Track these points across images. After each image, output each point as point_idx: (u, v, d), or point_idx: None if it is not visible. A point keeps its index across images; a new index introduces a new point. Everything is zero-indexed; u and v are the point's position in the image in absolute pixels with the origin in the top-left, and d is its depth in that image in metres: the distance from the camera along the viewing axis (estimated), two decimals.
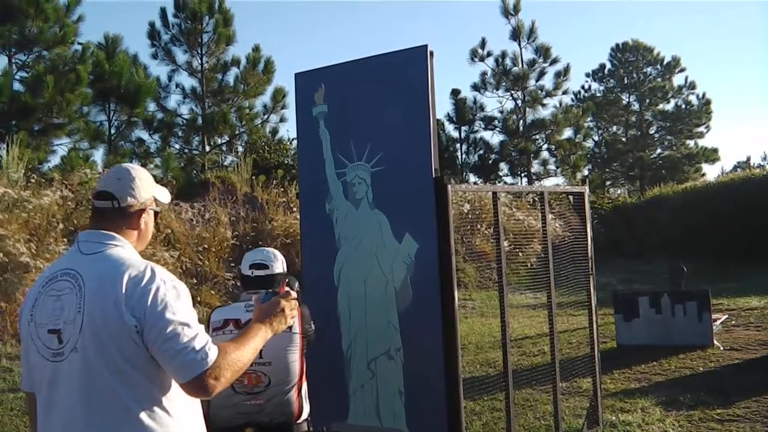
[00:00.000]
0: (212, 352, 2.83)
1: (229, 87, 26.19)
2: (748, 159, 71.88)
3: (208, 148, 26.37)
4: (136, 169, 3.16)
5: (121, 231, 3.05)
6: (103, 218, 3.07)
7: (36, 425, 3.01)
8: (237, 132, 26.85)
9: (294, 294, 3.39)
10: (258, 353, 4.63)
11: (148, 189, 3.14)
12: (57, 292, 2.92)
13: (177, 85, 26.15)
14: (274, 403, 4.49)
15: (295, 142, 23.22)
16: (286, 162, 28.33)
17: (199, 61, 25.84)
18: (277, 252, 4.97)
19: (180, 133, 26.34)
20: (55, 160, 21.48)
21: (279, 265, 4.84)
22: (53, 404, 2.90)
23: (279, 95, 26.18)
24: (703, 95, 50.19)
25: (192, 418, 3.01)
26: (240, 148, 28.43)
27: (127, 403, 2.81)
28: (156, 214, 3.23)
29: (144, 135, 25.33)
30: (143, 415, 2.82)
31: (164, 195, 3.26)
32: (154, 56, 25.64)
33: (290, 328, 4.39)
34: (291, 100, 24.63)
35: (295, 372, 4.56)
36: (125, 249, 3.02)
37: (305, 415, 4.61)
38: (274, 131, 29.86)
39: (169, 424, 2.87)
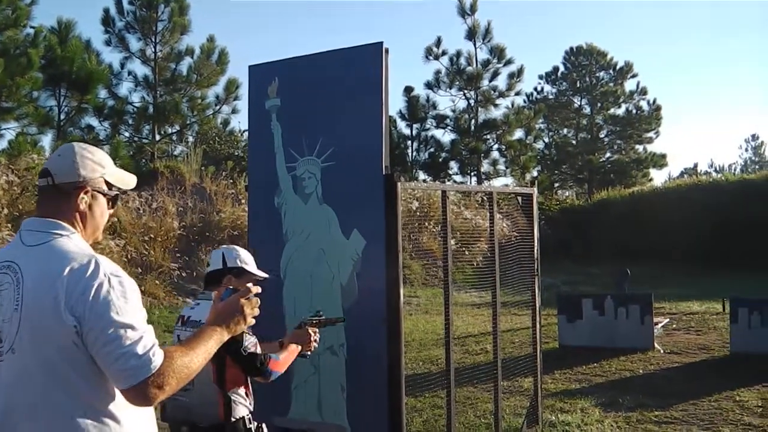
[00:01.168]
0: (157, 358, 2.55)
1: (182, 76, 26.00)
2: (695, 165, 72.96)
3: (158, 137, 26.18)
4: (84, 146, 2.88)
5: (65, 216, 2.76)
6: (44, 200, 2.81)
7: None
8: (188, 122, 26.69)
9: (256, 290, 3.02)
10: None
11: (92, 167, 2.83)
12: None
13: (129, 73, 25.89)
14: (200, 403, 4.40)
15: (246, 134, 23.18)
16: (236, 154, 28.28)
17: (153, 50, 25.61)
18: (227, 248, 4.84)
19: (130, 121, 26.08)
20: (2, 145, 21.22)
21: (219, 261, 4.69)
22: None
23: (232, 86, 26.00)
24: (654, 101, 50.61)
25: (143, 426, 2.76)
26: (190, 139, 28.35)
27: (68, 411, 2.56)
28: (113, 199, 2.94)
29: (94, 122, 25.02)
30: (87, 424, 2.57)
31: (122, 179, 2.96)
32: (108, 43, 25.34)
33: None
34: (244, 91, 24.60)
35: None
36: (72, 239, 2.73)
37: (239, 414, 4.45)
38: (226, 122, 29.79)
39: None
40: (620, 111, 50.86)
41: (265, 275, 4.79)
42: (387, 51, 6.35)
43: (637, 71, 51.19)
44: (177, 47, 25.89)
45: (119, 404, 2.63)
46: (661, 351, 12.56)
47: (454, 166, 37.04)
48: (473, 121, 35.90)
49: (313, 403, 6.50)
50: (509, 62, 35.34)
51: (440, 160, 36.23)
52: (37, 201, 2.86)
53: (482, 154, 36.00)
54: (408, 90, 36.27)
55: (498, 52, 35.17)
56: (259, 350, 4.37)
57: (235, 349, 4.30)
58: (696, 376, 10.87)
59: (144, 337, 2.57)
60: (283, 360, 4.48)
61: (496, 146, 36.56)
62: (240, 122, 33.74)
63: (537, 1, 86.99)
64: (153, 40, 25.43)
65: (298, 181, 6.66)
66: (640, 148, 50.89)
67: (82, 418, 2.57)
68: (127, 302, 2.59)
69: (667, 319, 15.83)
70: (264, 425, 4.59)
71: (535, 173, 40.66)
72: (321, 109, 6.63)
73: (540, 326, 8.66)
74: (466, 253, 18.32)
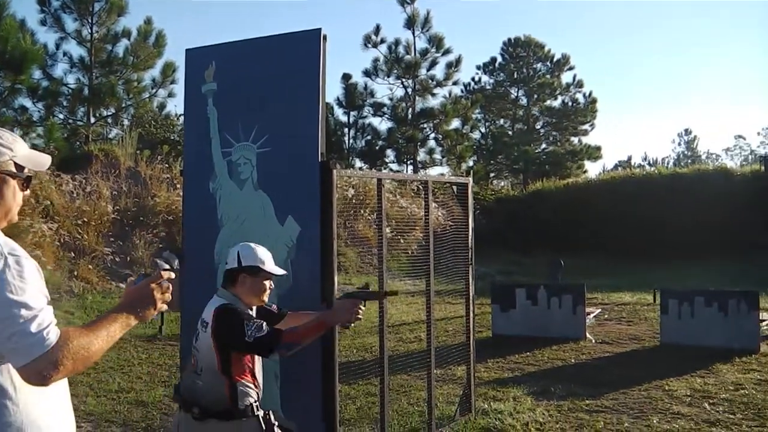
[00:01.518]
0: (51, 337, 2.52)
1: (119, 58, 25.66)
2: (629, 158, 73.98)
3: (93, 120, 25.83)
4: None
5: None
6: None
7: None
8: (124, 105, 26.40)
9: (168, 275, 2.95)
10: (194, 338, 4.55)
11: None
12: None
13: (65, 54, 25.52)
14: (209, 388, 4.44)
15: (182, 119, 22.98)
16: (172, 138, 28.01)
17: (89, 30, 25.27)
18: (243, 246, 4.72)
19: (65, 103, 25.73)
20: None
21: (234, 260, 4.66)
22: None
23: (169, 70, 25.80)
24: (590, 94, 51.16)
25: (49, 410, 2.72)
26: (126, 122, 28.04)
27: None
28: (26, 181, 2.89)
29: (27, 103, 24.60)
30: None
31: (34, 161, 2.93)
32: (43, 22, 24.97)
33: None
34: (180, 75, 24.32)
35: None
36: None
37: (246, 402, 4.48)
38: (162, 106, 29.56)
39: (14, 413, 2.60)
40: (556, 103, 51.46)
41: (283, 272, 4.82)
42: (325, 38, 6.33)
43: (573, 64, 51.83)
44: (114, 28, 25.60)
45: (19, 386, 2.61)
46: (593, 341, 12.72)
47: (390, 154, 37.29)
48: (410, 110, 36.09)
49: None
50: (447, 52, 35.62)
51: (377, 148, 36.37)
52: None
53: (419, 143, 36.20)
54: (346, 77, 36.36)
55: (436, 42, 35.38)
56: (265, 330, 4.37)
57: (239, 342, 4.36)
58: (626, 365, 11.03)
59: (39, 316, 2.54)
60: (303, 331, 4.51)
61: (432, 135, 36.84)
62: (176, 106, 33.32)
63: None
64: (89, 20, 25.09)
65: (233, 166, 6.61)
66: (575, 140, 51.53)
67: None
68: (23, 281, 2.57)
69: (599, 310, 16.04)
70: (271, 412, 4.60)
71: (471, 163, 40.98)
72: (257, 95, 6.58)
73: (474, 315, 8.70)
74: (401, 241, 18.36)
